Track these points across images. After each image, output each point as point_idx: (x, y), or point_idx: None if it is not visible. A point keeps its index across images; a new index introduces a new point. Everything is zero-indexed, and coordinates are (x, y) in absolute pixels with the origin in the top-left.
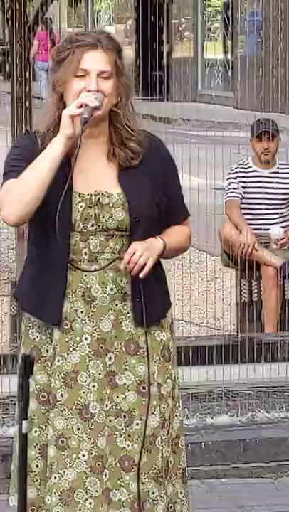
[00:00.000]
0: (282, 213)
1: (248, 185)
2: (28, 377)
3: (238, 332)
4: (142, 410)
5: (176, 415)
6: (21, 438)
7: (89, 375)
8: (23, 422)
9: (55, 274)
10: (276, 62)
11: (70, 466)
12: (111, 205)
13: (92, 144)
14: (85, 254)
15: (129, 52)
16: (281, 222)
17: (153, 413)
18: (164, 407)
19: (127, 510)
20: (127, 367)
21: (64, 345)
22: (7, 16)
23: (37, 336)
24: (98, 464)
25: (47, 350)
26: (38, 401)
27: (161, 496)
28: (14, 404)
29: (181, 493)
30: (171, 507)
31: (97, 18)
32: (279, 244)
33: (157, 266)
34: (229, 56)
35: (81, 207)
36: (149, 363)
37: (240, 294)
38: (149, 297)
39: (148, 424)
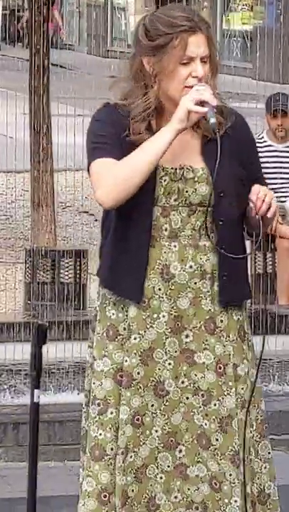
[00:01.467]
0: None
1: (263, 159)
2: (40, 347)
3: (251, 304)
4: (220, 391)
5: (229, 394)
6: (32, 407)
7: (165, 352)
8: (35, 391)
9: (136, 250)
10: None
11: (144, 443)
12: (196, 179)
13: None
14: (166, 230)
15: None
16: None
17: (229, 394)
18: (242, 388)
19: (205, 486)
20: (207, 346)
21: (141, 322)
22: None
23: (113, 314)
24: (171, 440)
25: (124, 329)
26: (115, 381)
27: (238, 479)
28: (26, 372)
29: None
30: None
31: None
32: None
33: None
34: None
35: (165, 181)
36: (224, 342)
37: (255, 266)
38: (235, 276)
39: (223, 404)
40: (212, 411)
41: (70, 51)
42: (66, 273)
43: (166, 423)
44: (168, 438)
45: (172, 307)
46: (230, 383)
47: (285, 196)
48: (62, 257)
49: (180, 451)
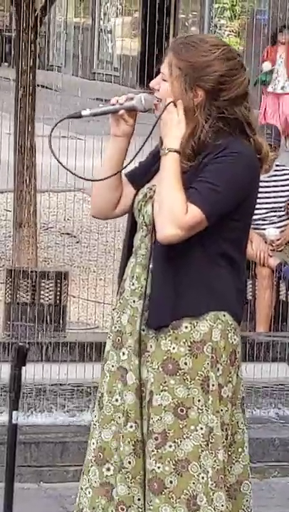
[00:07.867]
0: (280, 216)
1: None
2: (20, 368)
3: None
4: (137, 414)
5: (144, 419)
6: (11, 428)
7: (109, 365)
8: (13, 412)
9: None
10: None
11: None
12: (151, 199)
13: None
14: (133, 245)
15: (135, 45)
16: (278, 222)
17: (145, 419)
18: (155, 420)
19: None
20: (132, 367)
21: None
22: (15, 4)
23: None
24: (100, 455)
25: None
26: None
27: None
28: (3, 392)
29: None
30: None
31: (105, 9)
32: (274, 245)
33: (175, 269)
34: None
35: (138, 198)
36: (140, 367)
37: None
38: (156, 299)
39: (138, 428)
40: (127, 433)
41: (56, 72)
42: (46, 294)
43: (99, 437)
44: (97, 452)
45: (117, 320)
46: (145, 409)
47: (268, 224)
48: (42, 278)
49: (108, 469)
